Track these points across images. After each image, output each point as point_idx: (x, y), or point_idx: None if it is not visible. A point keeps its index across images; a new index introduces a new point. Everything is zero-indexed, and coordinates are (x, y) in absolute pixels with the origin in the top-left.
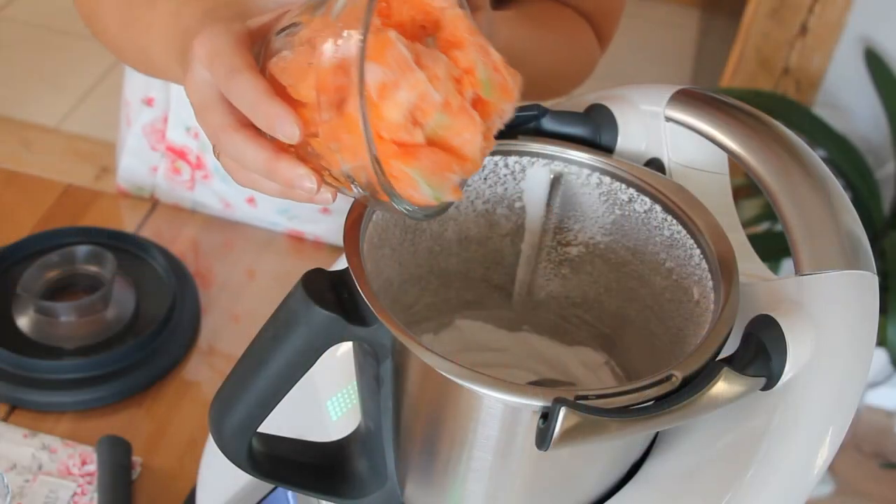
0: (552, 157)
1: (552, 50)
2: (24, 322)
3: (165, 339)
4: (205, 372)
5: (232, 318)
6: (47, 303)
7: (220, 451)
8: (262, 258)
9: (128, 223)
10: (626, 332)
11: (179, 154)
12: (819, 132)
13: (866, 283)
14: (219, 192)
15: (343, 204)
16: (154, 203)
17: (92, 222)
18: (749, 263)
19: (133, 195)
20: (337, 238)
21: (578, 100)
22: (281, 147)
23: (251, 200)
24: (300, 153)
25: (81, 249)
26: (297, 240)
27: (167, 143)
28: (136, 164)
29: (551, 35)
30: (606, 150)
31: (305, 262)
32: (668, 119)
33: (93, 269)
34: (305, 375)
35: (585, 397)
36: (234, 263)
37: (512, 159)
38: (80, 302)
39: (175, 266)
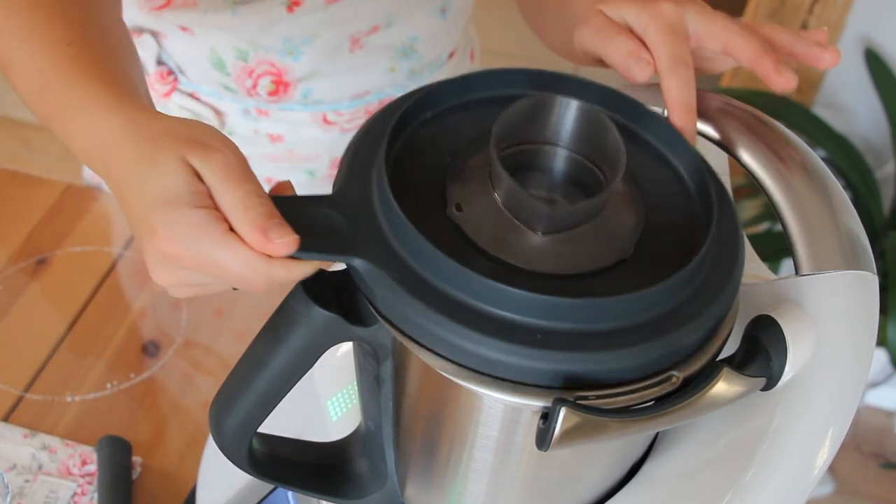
0: None
1: None
2: None
3: None
4: (203, 371)
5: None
6: None
7: (220, 451)
8: None
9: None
10: None
11: None
12: (819, 132)
13: (866, 283)
14: None
15: None
16: None
17: (92, 223)
18: (749, 263)
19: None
20: None
21: None
22: None
23: None
24: None
25: None
26: None
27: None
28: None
29: None
30: None
31: None
32: None
33: None
34: (305, 375)
35: (585, 397)
36: None
37: None
38: None
39: None
